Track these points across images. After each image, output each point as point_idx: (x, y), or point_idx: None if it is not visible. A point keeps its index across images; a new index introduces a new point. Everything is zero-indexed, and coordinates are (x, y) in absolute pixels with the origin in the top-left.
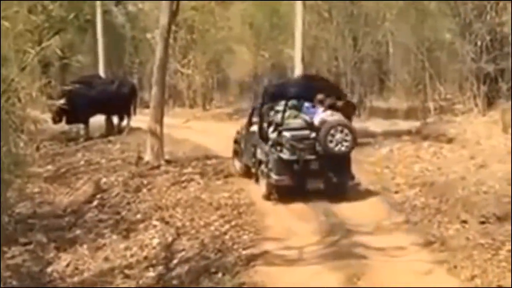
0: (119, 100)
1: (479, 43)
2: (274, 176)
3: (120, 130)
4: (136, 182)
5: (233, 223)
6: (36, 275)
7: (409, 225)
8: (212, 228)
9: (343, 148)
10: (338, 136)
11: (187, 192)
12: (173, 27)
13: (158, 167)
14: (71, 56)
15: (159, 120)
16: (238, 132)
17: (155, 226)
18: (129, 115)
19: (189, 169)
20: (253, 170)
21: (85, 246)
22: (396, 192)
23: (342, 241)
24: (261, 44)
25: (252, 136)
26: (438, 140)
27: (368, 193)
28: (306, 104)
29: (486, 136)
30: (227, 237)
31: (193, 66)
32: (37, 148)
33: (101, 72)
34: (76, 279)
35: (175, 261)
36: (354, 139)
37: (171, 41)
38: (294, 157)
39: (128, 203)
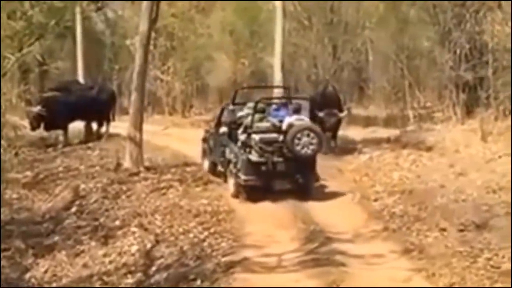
0: (98, 106)
1: (458, 51)
2: (242, 176)
3: (99, 136)
4: (115, 189)
5: (212, 230)
6: (14, 281)
7: (388, 233)
8: (191, 235)
9: (309, 151)
10: (305, 139)
11: (166, 199)
12: (153, 34)
13: (137, 173)
14: (51, 63)
15: (139, 127)
16: (207, 131)
17: (134, 232)
18: (108, 121)
19: (168, 176)
20: (221, 169)
21: (63, 252)
22: (375, 200)
23: (321, 248)
24: (240, 51)
25: (221, 136)
26: (417, 148)
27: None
28: (273, 106)
29: (465, 145)
30: (206, 244)
31: (173, 73)
32: (16, 154)
33: (80, 78)
34: (54, 285)
35: (154, 268)
36: (320, 142)
37: (150, 47)
38: (262, 159)
39: (107, 210)
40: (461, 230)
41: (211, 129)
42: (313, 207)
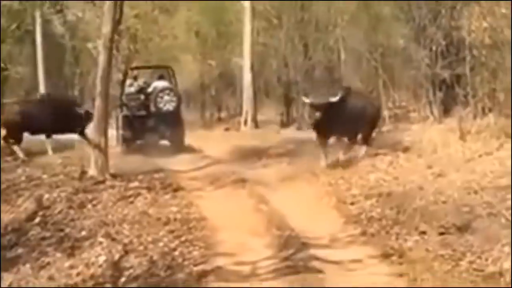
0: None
1: (434, 48)
2: (120, 131)
3: None
4: (80, 198)
5: (182, 238)
6: None
7: (366, 237)
8: (161, 244)
9: (170, 108)
10: (166, 97)
11: (134, 207)
12: (115, 37)
13: (103, 181)
14: (11, 68)
15: (103, 133)
16: None
17: (101, 243)
18: None
19: (136, 183)
20: None
21: (28, 265)
22: (352, 203)
23: (297, 255)
24: (207, 52)
25: None
26: (394, 149)
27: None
28: (156, 77)
29: (443, 144)
30: (176, 253)
31: None
32: None
33: (41, 83)
34: None
35: (123, 279)
36: (179, 99)
37: (113, 51)
38: (129, 113)
39: (72, 220)
40: (442, 233)
41: None
42: (289, 213)
